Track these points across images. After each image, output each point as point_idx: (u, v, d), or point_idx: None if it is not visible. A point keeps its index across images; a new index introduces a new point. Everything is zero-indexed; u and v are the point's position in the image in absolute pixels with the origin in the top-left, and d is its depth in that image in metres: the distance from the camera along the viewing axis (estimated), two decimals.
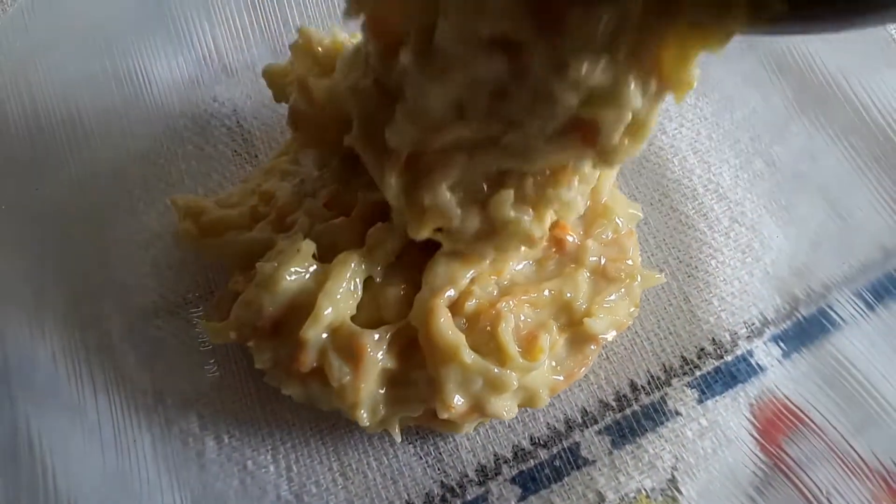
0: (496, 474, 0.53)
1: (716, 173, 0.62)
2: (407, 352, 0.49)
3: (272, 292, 0.48)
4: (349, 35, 0.54)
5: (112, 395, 0.54)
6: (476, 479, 0.53)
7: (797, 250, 0.58)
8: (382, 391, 0.49)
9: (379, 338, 0.48)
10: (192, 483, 0.52)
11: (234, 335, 0.50)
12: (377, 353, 0.48)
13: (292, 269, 0.48)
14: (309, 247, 0.49)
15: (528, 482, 0.52)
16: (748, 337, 0.56)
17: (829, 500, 0.51)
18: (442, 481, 0.53)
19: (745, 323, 0.57)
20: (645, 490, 0.52)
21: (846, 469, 0.51)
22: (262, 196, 0.55)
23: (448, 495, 0.53)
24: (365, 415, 0.49)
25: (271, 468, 0.53)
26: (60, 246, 0.57)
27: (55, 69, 0.59)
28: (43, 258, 0.56)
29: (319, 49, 0.53)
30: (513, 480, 0.53)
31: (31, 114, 0.58)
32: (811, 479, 0.51)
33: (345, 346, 0.48)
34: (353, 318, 0.49)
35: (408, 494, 0.53)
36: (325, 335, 0.48)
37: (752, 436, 0.53)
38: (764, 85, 0.63)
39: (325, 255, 0.50)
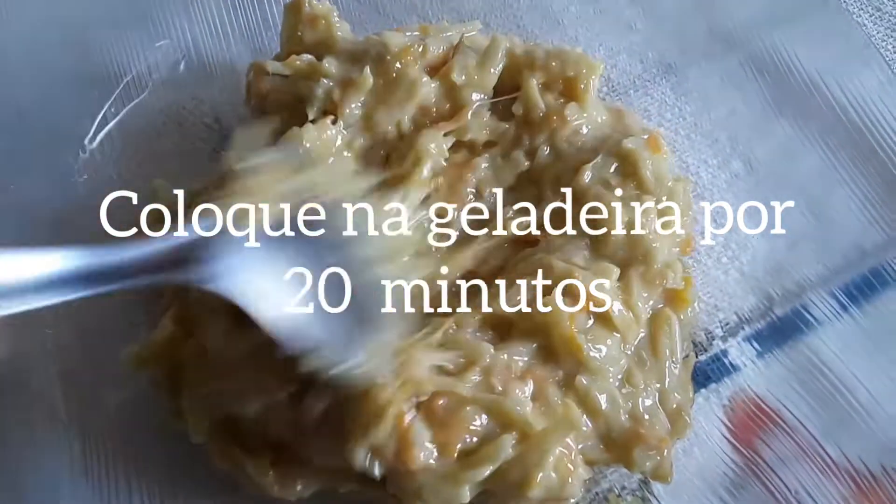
0: None
1: (694, 173, 0.61)
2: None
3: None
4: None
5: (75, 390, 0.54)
6: None
7: (773, 250, 0.58)
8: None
9: None
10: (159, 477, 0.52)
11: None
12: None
13: None
14: None
15: None
16: (723, 336, 0.56)
17: (797, 500, 0.51)
18: None
19: (720, 322, 0.57)
20: (616, 489, 0.52)
21: (817, 469, 0.51)
22: None
23: None
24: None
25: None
26: (31, 242, 0.56)
27: (32, 66, 0.59)
28: None
29: (308, 8, 0.56)
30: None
31: (4, 109, 0.58)
32: (782, 480, 0.51)
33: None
34: None
35: None
36: None
37: (725, 436, 0.53)
38: (743, 86, 0.63)
39: None
